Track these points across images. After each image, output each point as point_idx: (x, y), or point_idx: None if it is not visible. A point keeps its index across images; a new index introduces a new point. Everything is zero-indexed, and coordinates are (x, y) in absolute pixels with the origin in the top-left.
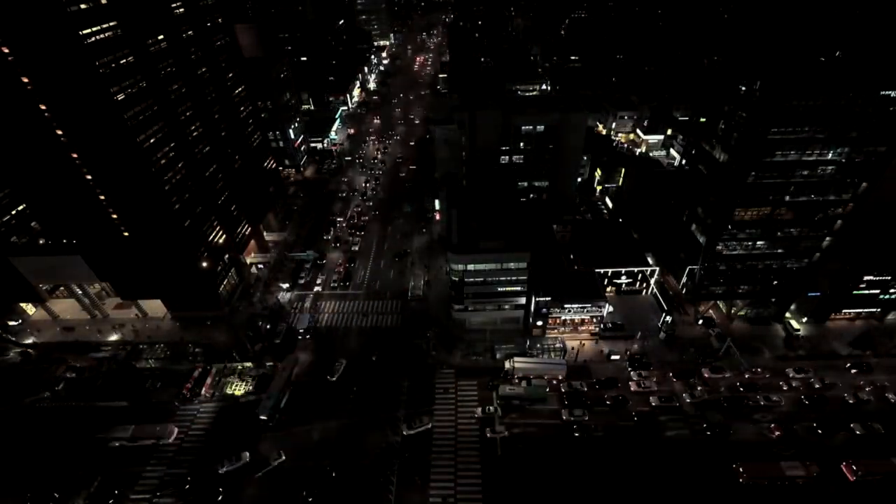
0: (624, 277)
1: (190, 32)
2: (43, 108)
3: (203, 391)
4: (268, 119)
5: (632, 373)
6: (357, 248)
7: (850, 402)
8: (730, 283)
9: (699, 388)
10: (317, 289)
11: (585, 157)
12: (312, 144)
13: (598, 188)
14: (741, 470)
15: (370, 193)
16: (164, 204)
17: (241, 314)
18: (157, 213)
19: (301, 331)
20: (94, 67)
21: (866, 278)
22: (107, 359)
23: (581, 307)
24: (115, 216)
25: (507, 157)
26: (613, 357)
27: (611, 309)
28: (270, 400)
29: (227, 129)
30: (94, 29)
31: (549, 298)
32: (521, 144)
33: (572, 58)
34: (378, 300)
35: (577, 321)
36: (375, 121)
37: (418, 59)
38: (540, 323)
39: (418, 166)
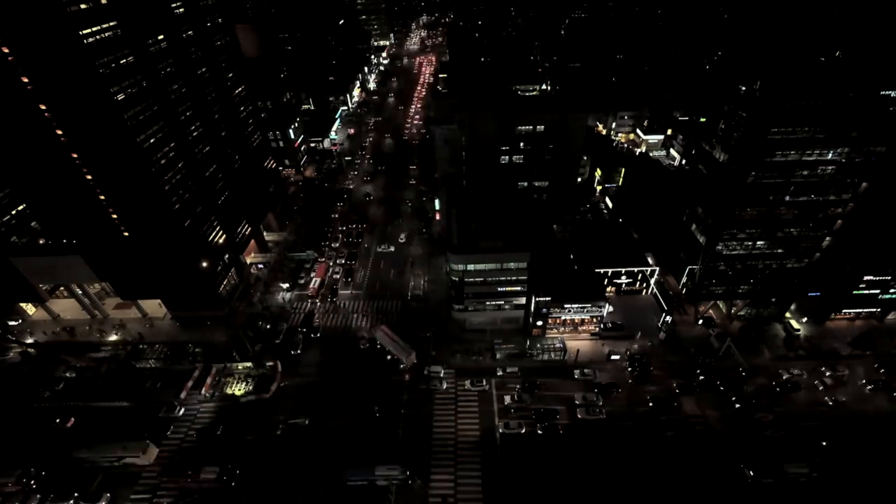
0: (624, 277)
1: (190, 32)
2: (43, 108)
3: (203, 391)
4: (268, 119)
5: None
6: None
7: None
8: (730, 283)
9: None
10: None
11: (585, 157)
12: (312, 144)
13: (598, 188)
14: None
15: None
16: (164, 204)
17: (241, 314)
18: (157, 213)
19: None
20: (94, 67)
21: (866, 278)
22: (107, 359)
23: (581, 307)
24: (115, 216)
25: (507, 157)
26: (614, 357)
27: (611, 309)
28: None
29: (227, 129)
30: (94, 29)
31: (549, 298)
32: (521, 144)
33: (572, 58)
34: (378, 300)
35: (577, 321)
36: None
37: (418, 59)
38: (540, 323)
39: (418, 166)
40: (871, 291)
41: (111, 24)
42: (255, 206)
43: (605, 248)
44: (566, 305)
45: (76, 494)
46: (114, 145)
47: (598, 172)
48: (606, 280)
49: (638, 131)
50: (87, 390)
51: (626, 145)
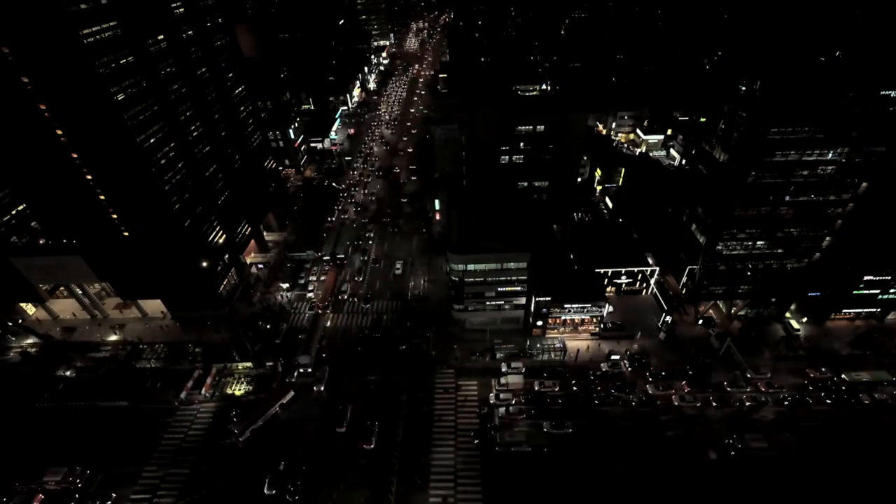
0: (624, 277)
1: (190, 32)
2: (43, 108)
3: (203, 391)
4: (268, 119)
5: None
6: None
7: None
8: (730, 283)
9: None
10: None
11: (585, 157)
12: (312, 144)
13: (598, 188)
14: None
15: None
16: (164, 204)
17: (240, 314)
18: (157, 213)
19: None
20: (94, 67)
21: (866, 278)
22: (107, 359)
23: (581, 307)
24: (115, 216)
25: (507, 157)
26: (614, 357)
27: (611, 309)
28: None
29: (227, 129)
30: (93, 29)
31: (549, 298)
32: (521, 144)
33: (572, 58)
34: (378, 300)
35: (577, 321)
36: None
37: (418, 58)
38: (540, 323)
39: (418, 166)
40: (872, 291)
41: (111, 24)
42: (255, 206)
43: (605, 248)
44: (566, 305)
45: (77, 496)
46: (114, 145)
47: (598, 172)
48: (606, 280)
49: (638, 131)
50: (87, 390)
51: (626, 145)
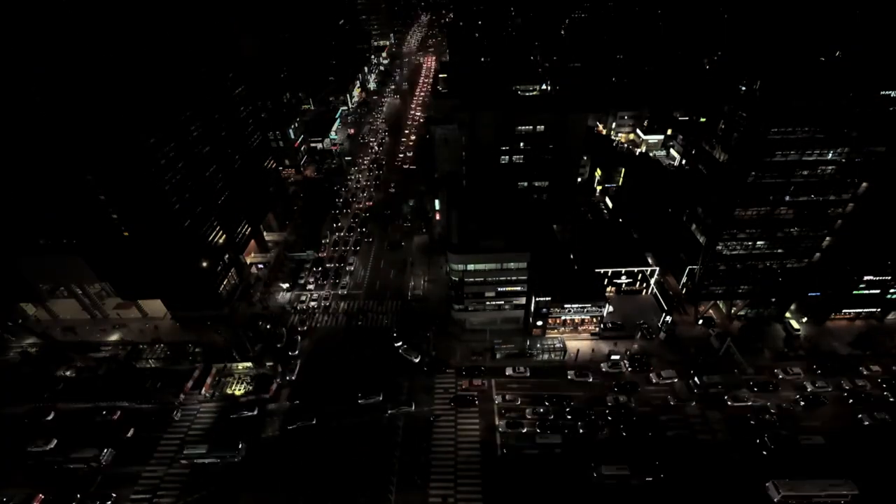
0: (624, 277)
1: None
2: (43, 108)
3: (203, 391)
4: (268, 119)
5: None
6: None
7: None
8: (730, 283)
9: None
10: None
11: (585, 157)
12: (312, 144)
13: (598, 188)
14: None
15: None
16: (164, 204)
17: (241, 314)
18: (157, 213)
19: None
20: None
21: (866, 278)
22: (107, 359)
23: (581, 307)
24: (115, 216)
25: (507, 157)
26: (614, 357)
27: (611, 309)
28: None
29: (227, 129)
30: (95, 25)
31: (549, 298)
32: (521, 144)
33: (572, 58)
34: (378, 300)
35: (577, 321)
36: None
37: (418, 58)
38: (540, 323)
39: (418, 166)
40: (872, 291)
41: (111, 23)
42: (255, 206)
43: (605, 248)
44: (566, 305)
45: (78, 496)
46: (114, 146)
47: (598, 172)
48: (606, 280)
49: (638, 131)
50: (87, 390)
51: (626, 145)
